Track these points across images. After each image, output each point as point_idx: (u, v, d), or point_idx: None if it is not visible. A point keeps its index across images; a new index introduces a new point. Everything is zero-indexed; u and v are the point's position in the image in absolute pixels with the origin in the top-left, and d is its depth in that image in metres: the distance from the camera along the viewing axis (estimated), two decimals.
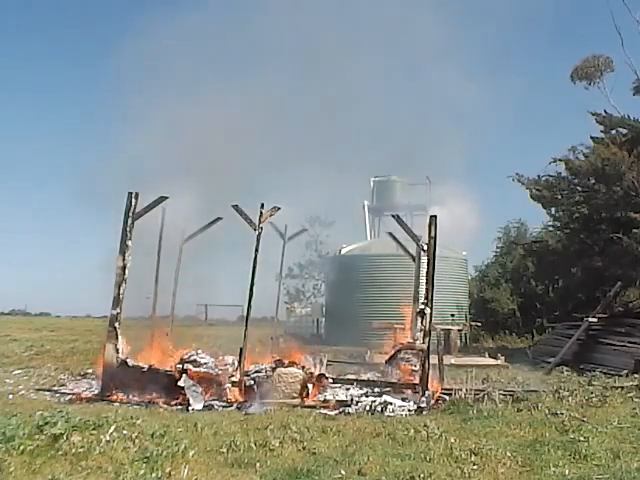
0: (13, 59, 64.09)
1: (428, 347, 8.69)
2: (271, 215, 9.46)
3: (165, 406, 8.09)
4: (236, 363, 8.85)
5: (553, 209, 19.39)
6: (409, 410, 8.07)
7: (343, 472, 5.13)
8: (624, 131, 17.85)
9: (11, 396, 8.52)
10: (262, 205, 9.24)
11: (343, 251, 22.22)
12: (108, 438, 5.36)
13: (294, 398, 8.64)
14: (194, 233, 12.34)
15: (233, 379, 8.74)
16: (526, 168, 19.99)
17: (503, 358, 14.32)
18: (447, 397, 8.66)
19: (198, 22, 21.59)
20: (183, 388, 8.32)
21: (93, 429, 5.47)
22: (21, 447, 4.92)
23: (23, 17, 67.08)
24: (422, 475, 4.98)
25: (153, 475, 4.83)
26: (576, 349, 13.94)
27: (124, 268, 8.98)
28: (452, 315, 19.58)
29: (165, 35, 20.72)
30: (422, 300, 9.19)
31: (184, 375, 8.52)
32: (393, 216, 11.39)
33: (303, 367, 9.02)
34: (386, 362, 9.97)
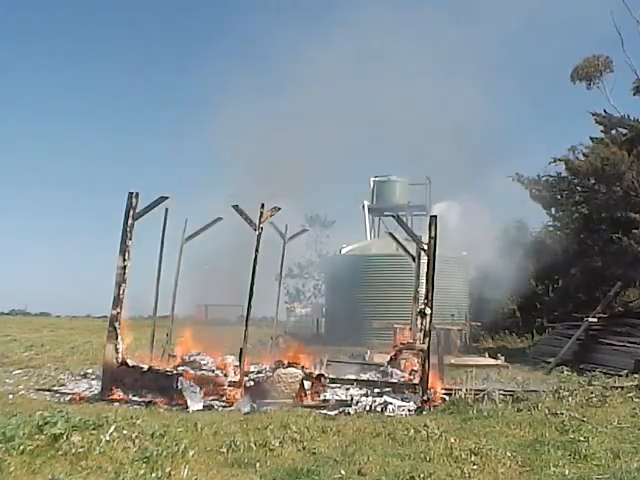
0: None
1: (428, 347, 8.68)
2: (271, 215, 9.45)
3: (165, 406, 8.09)
4: (236, 363, 8.85)
5: (553, 209, 19.42)
6: (409, 410, 8.07)
7: (343, 472, 5.13)
8: (624, 131, 17.87)
9: (11, 396, 8.51)
10: (262, 205, 9.23)
11: (343, 251, 22.21)
12: (108, 438, 5.35)
13: (294, 398, 8.64)
14: (194, 233, 12.32)
15: (232, 379, 8.74)
16: (526, 168, 20.04)
17: (503, 358, 14.32)
18: (447, 397, 8.66)
19: None
20: (181, 390, 8.33)
21: (93, 429, 5.46)
22: (21, 447, 4.91)
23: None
24: (422, 475, 4.97)
25: (153, 475, 4.83)
26: (576, 349, 13.94)
27: (124, 268, 8.97)
28: (452, 315, 19.55)
29: None
30: (422, 300, 9.19)
31: (180, 378, 8.51)
32: (393, 216, 11.42)
33: (303, 367, 9.01)
34: (387, 363, 9.98)
